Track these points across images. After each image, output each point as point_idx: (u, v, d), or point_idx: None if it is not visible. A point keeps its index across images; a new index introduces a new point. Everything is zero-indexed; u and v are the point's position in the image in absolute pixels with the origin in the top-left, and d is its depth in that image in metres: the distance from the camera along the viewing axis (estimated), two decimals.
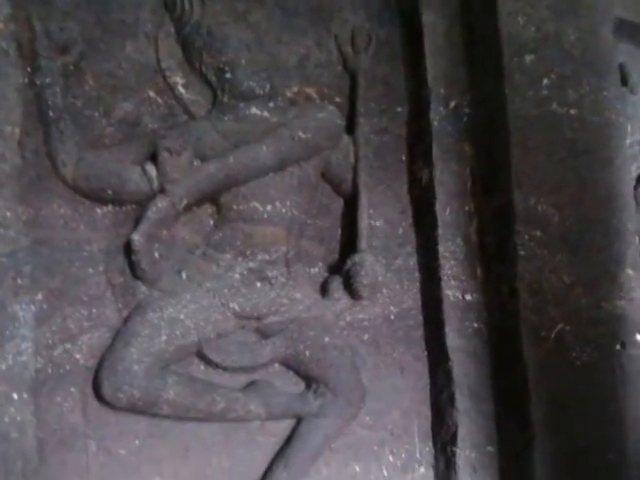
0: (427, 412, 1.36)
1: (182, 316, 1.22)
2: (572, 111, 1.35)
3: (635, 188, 1.66)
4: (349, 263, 1.31)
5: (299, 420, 1.28)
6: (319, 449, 1.27)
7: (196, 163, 1.25)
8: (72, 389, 1.17)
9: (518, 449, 1.28)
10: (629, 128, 1.65)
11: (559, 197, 1.32)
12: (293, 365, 1.30)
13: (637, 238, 1.38)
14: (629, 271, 1.35)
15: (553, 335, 1.29)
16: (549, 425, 1.26)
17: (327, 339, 1.29)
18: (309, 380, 1.30)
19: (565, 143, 1.34)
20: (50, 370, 1.16)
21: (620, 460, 1.31)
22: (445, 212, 1.34)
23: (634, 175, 1.67)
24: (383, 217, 1.38)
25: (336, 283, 1.32)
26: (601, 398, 1.32)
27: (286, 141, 1.29)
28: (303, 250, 1.34)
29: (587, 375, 1.31)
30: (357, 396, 1.30)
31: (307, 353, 1.28)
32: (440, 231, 1.34)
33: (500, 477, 1.31)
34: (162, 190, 1.21)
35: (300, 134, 1.30)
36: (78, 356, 1.19)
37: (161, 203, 1.20)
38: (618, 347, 1.34)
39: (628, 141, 1.68)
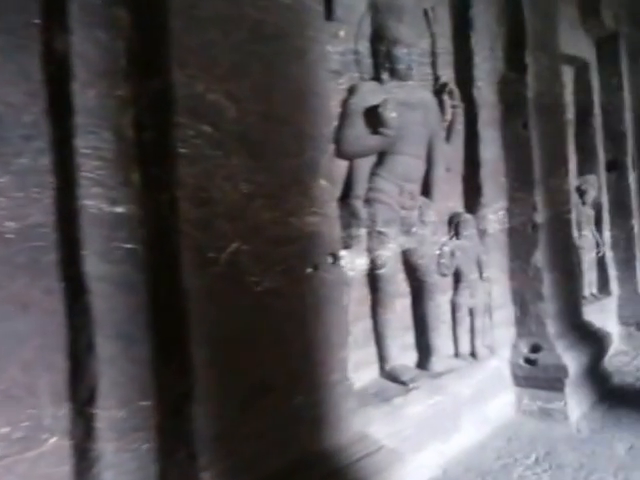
0: (61, 363, 1.00)
1: None
2: None
3: (346, 100, 1.53)
4: None
5: None
6: None
7: None
8: None
9: (178, 401, 1.01)
10: (342, 33, 1.51)
11: (238, 87, 1.07)
12: None
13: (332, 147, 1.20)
14: (323, 182, 1.17)
15: (225, 256, 1.03)
16: (216, 368, 1.01)
17: None
18: None
19: (248, 23, 1.09)
20: None
21: (308, 400, 1.13)
22: (86, 95, 0.99)
23: (346, 86, 1.54)
24: (1, 99, 0.98)
25: None
26: (286, 330, 1.11)
27: None
28: None
29: (269, 304, 1.09)
30: None
31: None
32: (78, 120, 0.98)
33: (157, 439, 1.02)
34: None
35: None
36: None
37: None
38: (309, 270, 1.15)
39: (341, 48, 1.54)
